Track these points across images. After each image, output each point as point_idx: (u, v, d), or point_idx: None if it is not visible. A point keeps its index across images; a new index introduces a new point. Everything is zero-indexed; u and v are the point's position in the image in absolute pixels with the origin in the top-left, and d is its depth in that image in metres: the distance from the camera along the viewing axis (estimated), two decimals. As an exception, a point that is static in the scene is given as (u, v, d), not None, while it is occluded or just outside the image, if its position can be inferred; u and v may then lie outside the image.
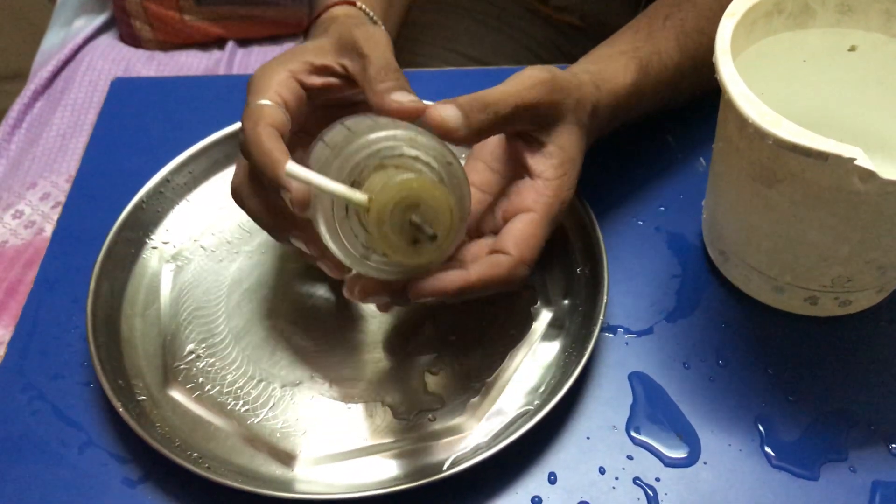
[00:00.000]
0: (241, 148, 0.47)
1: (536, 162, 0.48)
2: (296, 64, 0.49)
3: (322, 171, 0.42)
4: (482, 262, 0.45)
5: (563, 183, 0.48)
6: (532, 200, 0.47)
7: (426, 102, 0.45)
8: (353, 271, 0.44)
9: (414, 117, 0.44)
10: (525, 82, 0.47)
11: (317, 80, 0.50)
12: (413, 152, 0.42)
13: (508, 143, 0.50)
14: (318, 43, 0.50)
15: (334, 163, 0.42)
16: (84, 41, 1.15)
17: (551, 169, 0.48)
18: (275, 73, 0.48)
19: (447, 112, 0.44)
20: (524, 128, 0.48)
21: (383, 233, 0.41)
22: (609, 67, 0.55)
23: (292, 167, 0.41)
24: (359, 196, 0.41)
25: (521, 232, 0.46)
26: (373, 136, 0.42)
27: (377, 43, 0.48)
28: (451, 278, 0.44)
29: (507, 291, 0.48)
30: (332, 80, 0.50)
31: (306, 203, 0.43)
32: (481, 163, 0.52)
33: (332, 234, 0.43)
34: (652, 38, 0.58)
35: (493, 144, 0.52)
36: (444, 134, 0.44)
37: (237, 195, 0.50)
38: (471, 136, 0.45)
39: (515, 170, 0.50)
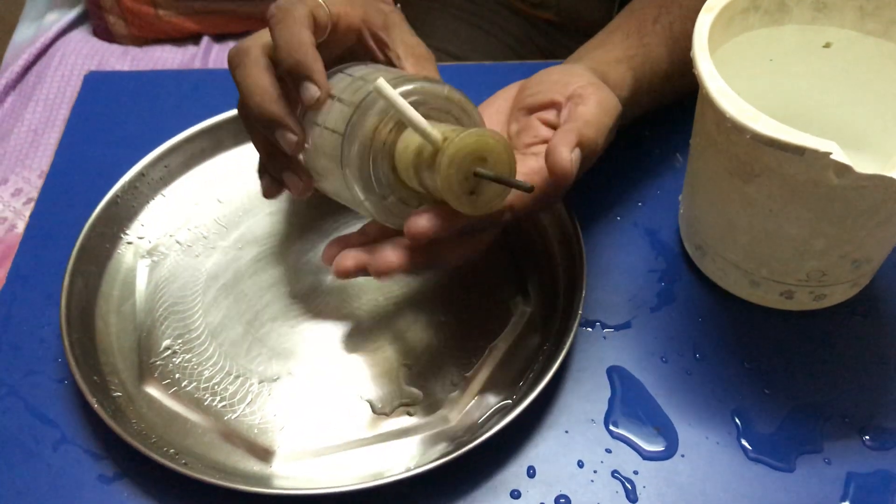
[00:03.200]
0: (269, 22, 0.47)
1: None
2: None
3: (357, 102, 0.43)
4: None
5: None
6: (528, 172, 0.47)
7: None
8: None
9: None
10: (611, 115, 0.48)
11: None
12: (459, 110, 0.45)
13: (523, 118, 0.50)
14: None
15: (376, 104, 0.43)
16: (56, 35, 1.14)
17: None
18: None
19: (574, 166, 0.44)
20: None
21: (449, 176, 0.41)
22: (609, 77, 0.54)
23: (384, 87, 0.41)
24: (435, 134, 0.41)
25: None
26: (421, 84, 0.43)
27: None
28: (449, 215, 0.43)
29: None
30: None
31: (321, 104, 0.44)
32: None
33: (362, 163, 0.43)
34: (643, 42, 0.57)
35: (493, 112, 0.52)
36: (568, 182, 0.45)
37: (244, 59, 0.47)
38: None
39: (527, 139, 0.50)
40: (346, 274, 0.46)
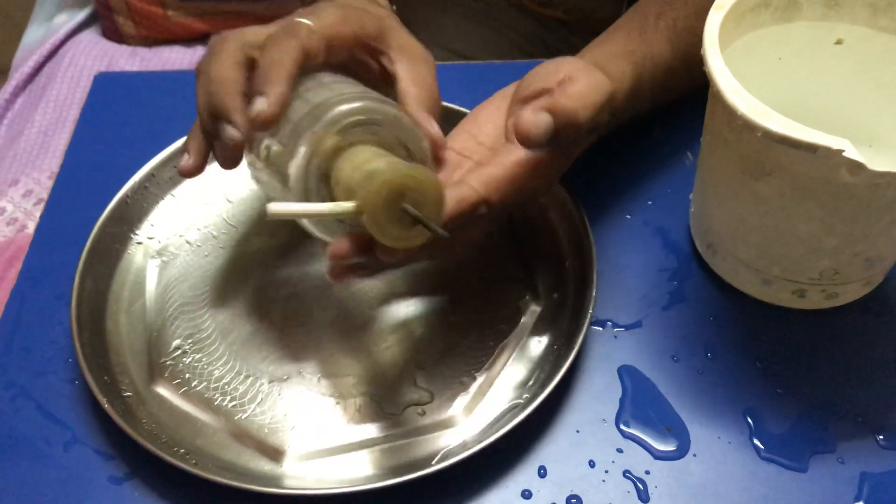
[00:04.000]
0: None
1: None
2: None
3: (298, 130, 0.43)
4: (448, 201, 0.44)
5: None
6: (516, 156, 0.46)
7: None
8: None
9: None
10: (600, 93, 0.48)
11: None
12: (385, 123, 0.43)
13: (511, 107, 0.50)
14: (330, 18, 0.49)
15: (305, 133, 0.43)
16: (66, 37, 1.14)
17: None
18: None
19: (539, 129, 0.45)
20: None
21: (382, 231, 0.40)
22: (607, 70, 0.54)
23: (273, 207, 0.41)
24: (348, 207, 0.40)
25: (487, 174, 0.45)
26: (344, 107, 0.43)
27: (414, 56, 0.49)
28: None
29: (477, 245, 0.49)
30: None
31: (268, 123, 0.43)
32: (467, 133, 0.51)
33: (317, 225, 0.43)
34: (645, 38, 0.57)
35: (484, 120, 0.51)
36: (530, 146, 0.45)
37: (221, 48, 0.48)
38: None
39: (507, 139, 0.49)
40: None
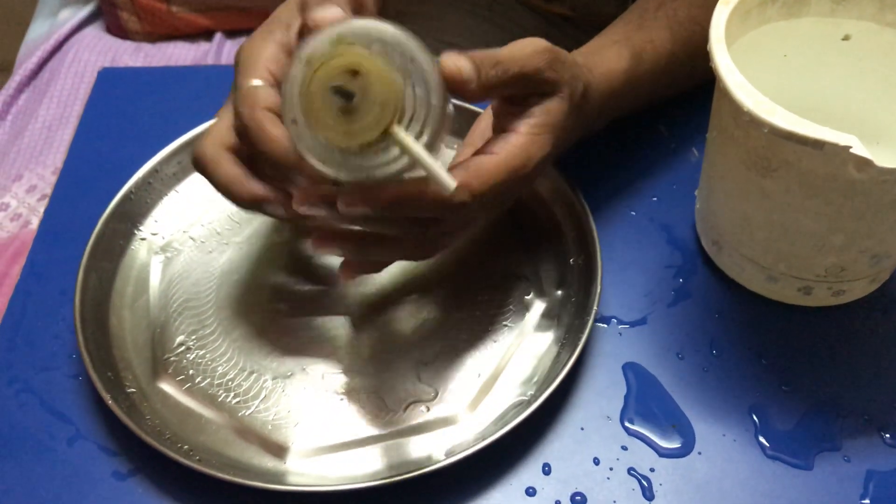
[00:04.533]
0: (238, 132, 0.46)
1: (517, 121, 0.47)
2: (280, 32, 0.48)
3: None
4: (420, 178, 0.43)
5: (534, 140, 0.46)
6: (496, 147, 0.46)
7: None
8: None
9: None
10: (529, 48, 0.46)
11: None
12: (375, 35, 0.40)
13: (497, 104, 0.49)
14: (294, 2, 0.49)
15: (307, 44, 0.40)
16: (70, 32, 1.14)
17: (528, 125, 0.46)
18: (262, 48, 0.47)
19: (462, 62, 0.42)
20: (519, 93, 0.47)
21: (315, 112, 0.39)
22: (602, 55, 0.54)
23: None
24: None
25: (474, 163, 0.45)
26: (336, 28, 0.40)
27: None
28: (382, 189, 0.42)
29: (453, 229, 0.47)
30: None
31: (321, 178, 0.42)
32: (471, 147, 0.52)
33: (296, 137, 0.41)
34: (644, 27, 0.58)
35: (484, 126, 0.51)
36: (457, 86, 0.42)
37: (207, 162, 0.47)
38: (481, 91, 0.44)
39: (500, 130, 0.49)
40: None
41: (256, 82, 0.46)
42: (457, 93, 0.43)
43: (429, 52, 0.41)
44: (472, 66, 0.43)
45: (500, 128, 0.48)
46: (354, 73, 0.38)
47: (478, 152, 0.47)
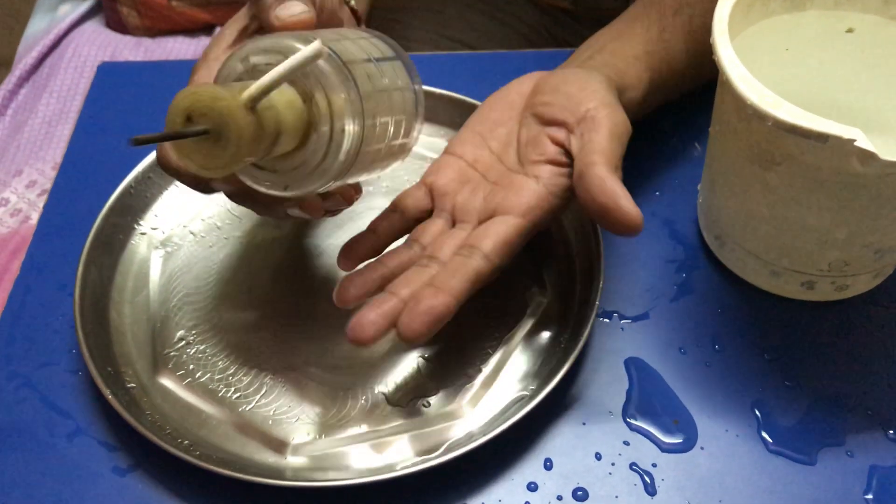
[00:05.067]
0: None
1: (542, 165, 0.48)
2: (205, 70, 0.47)
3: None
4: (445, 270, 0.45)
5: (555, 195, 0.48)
6: (526, 206, 0.47)
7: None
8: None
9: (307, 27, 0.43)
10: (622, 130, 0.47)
11: None
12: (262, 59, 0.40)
13: (534, 129, 0.49)
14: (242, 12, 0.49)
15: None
16: (69, 27, 1.14)
17: (559, 179, 0.48)
18: (206, 65, 0.46)
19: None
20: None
21: (179, 148, 0.38)
22: (624, 79, 0.53)
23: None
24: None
25: (497, 236, 0.46)
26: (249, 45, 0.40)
27: None
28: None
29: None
30: None
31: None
32: (479, 136, 0.51)
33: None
34: (663, 38, 0.56)
35: (495, 121, 0.51)
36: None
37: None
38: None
39: (519, 160, 0.49)
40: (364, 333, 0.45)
41: None
42: None
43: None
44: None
45: (526, 155, 0.49)
46: (200, 112, 0.37)
47: (498, 199, 0.47)
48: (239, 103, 0.37)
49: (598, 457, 0.48)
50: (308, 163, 0.41)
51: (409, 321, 0.42)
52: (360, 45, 0.43)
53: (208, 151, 0.38)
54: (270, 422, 0.50)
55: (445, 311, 0.43)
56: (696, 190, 0.59)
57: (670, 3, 0.58)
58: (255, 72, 0.40)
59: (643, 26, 0.57)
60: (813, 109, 0.42)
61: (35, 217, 0.93)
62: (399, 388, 0.51)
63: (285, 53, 0.39)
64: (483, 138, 0.51)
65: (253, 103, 0.37)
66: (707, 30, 0.57)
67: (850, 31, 0.53)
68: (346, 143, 0.40)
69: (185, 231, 0.59)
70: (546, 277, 0.55)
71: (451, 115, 0.62)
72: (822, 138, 0.42)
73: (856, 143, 0.41)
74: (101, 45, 1.11)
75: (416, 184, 0.51)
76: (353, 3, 0.53)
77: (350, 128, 0.40)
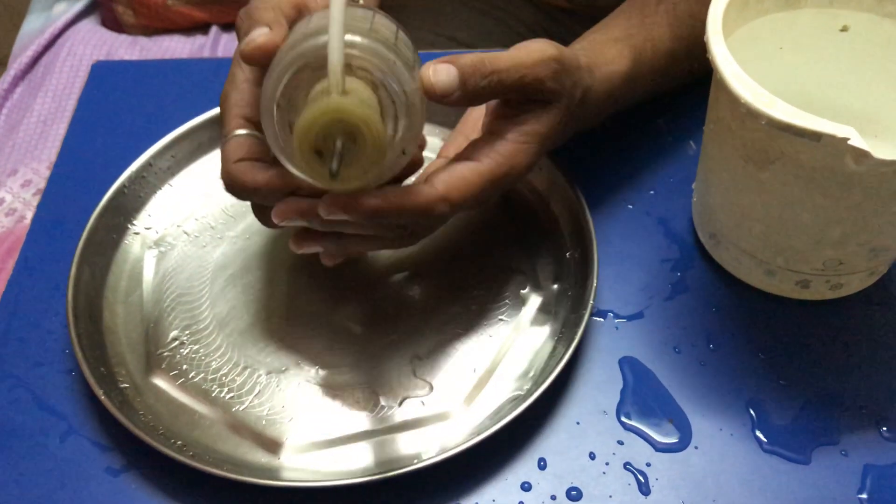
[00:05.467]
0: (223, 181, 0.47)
1: (506, 123, 0.47)
2: (240, 71, 0.47)
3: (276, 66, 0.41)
4: (401, 188, 0.44)
5: (520, 149, 0.46)
6: (482, 153, 0.46)
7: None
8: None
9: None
10: (534, 56, 0.45)
11: None
12: (354, 57, 0.40)
13: (493, 106, 0.49)
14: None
15: (279, 65, 0.41)
16: (65, 26, 1.13)
17: (516, 133, 0.46)
18: (229, 94, 0.47)
19: (440, 78, 0.43)
20: (516, 98, 0.47)
21: (304, 161, 0.39)
22: (604, 54, 0.54)
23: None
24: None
25: (456, 172, 0.45)
26: (320, 40, 0.40)
27: None
28: (364, 197, 0.42)
29: (428, 232, 0.49)
30: None
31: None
32: (462, 136, 0.51)
33: (276, 146, 0.42)
34: (644, 24, 0.57)
35: (476, 116, 0.51)
36: (433, 98, 0.43)
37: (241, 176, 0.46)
38: (465, 100, 0.44)
39: (488, 125, 0.48)
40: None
41: (236, 132, 0.46)
42: (436, 102, 0.43)
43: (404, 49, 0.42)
44: (455, 78, 0.43)
45: (490, 127, 0.48)
46: (341, 131, 0.39)
47: (461, 156, 0.46)
48: (368, 111, 0.39)
49: (593, 456, 0.48)
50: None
51: None
52: (405, 47, 0.44)
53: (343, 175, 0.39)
54: (264, 422, 0.50)
55: None
56: (691, 189, 0.59)
57: None
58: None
59: (625, 17, 0.58)
60: (807, 108, 0.42)
61: (30, 217, 0.93)
62: (393, 388, 0.51)
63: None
64: (465, 136, 0.51)
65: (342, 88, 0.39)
66: (693, 14, 0.58)
67: (844, 29, 0.53)
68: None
69: (178, 231, 0.58)
70: (540, 277, 0.55)
71: (447, 115, 0.62)
72: (816, 137, 0.42)
73: (849, 142, 0.41)
74: (97, 43, 1.11)
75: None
76: (361, 1, 0.53)
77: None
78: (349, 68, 0.40)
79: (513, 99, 0.47)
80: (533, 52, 0.46)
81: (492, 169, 0.45)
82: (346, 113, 0.39)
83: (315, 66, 0.40)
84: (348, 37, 0.40)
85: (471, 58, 0.44)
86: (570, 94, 0.48)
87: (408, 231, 0.47)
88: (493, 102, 0.48)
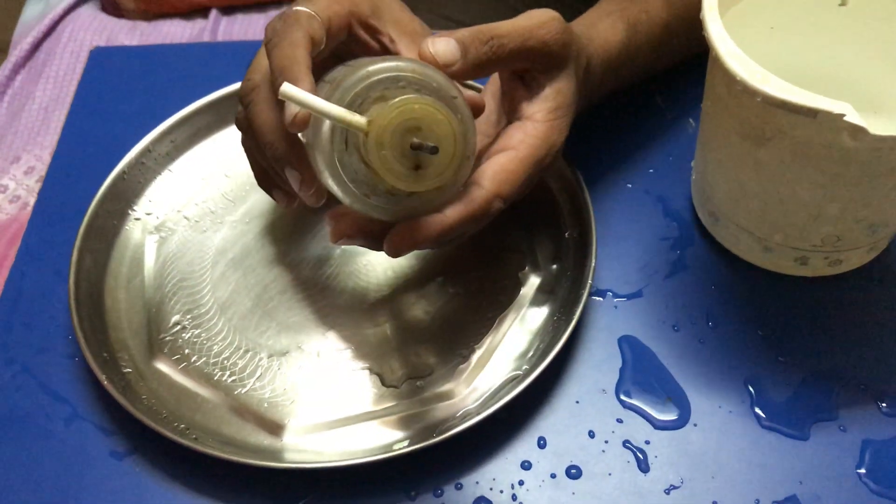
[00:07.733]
0: (266, 46, 0.44)
1: (530, 104, 0.46)
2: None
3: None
4: (457, 203, 0.43)
5: (553, 126, 0.46)
6: (518, 140, 0.46)
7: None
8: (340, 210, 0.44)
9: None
10: (535, 20, 0.45)
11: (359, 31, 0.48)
12: (415, 81, 0.41)
13: (505, 83, 0.49)
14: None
15: (334, 94, 0.40)
16: (64, 12, 1.13)
17: (544, 111, 0.46)
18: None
19: (439, 48, 0.42)
20: (525, 67, 0.46)
21: (383, 157, 0.39)
22: (597, 26, 0.54)
23: (288, 88, 0.39)
24: (358, 119, 0.39)
25: (499, 166, 0.45)
26: (373, 67, 0.40)
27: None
28: (428, 225, 0.42)
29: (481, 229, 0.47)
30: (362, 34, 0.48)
31: (305, 122, 0.40)
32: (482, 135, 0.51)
33: (332, 170, 0.41)
34: None
35: (497, 84, 0.51)
36: (438, 68, 0.42)
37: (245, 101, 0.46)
38: (468, 70, 0.43)
39: (511, 112, 0.48)
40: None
41: (305, 9, 0.44)
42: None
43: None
44: (454, 47, 0.43)
45: (512, 110, 0.48)
46: (418, 127, 0.39)
47: (497, 148, 0.46)
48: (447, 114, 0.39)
49: (592, 435, 0.49)
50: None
51: None
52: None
53: (410, 166, 0.40)
54: (266, 404, 0.50)
55: None
56: (689, 167, 0.59)
57: None
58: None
59: None
60: (804, 84, 0.42)
61: (34, 203, 0.93)
62: (393, 370, 0.51)
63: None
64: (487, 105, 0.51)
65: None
66: None
67: (843, 3, 0.52)
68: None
69: (179, 216, 0.59)
70: (539, 256, 0.55)
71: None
72: (812, 113, 0.42)
73: (846, 118, 0.41)
74: (97, 29, 1.11)
75: None
76: None
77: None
78: (409, 90, 0.41)
79: (524, 70, 0.47)
80: (534, 16, 0.46)
81: (531, 153, 0.45)
82: (432, 107, 0.39)
83: (387, 83, 0.41)
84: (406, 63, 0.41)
85: (468, 29, 0.44)
86: (577, 59, 0.48)
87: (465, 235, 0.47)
88: (506, 82, 0.48)
